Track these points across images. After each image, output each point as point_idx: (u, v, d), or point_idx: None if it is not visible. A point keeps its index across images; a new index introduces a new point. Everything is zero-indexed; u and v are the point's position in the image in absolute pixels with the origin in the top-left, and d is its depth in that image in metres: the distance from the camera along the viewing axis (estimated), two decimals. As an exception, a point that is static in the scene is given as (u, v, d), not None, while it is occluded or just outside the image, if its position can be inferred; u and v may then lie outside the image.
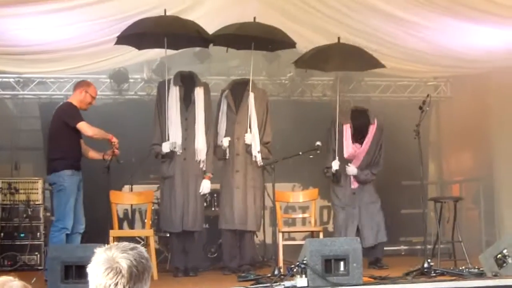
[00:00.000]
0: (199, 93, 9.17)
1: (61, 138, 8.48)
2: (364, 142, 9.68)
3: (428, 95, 8.72)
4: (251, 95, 9.29)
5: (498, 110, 11.67)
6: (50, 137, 8.68)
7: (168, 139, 8.92)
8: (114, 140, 8.65)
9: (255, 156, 9.14)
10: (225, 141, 9.25)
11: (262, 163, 9.17)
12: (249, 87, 9.31)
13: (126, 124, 11.02)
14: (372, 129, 9.73)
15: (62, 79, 11.87)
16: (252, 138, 9.17)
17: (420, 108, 8.66)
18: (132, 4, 8.73)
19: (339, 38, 9.37)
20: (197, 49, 11.20)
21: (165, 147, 8.93)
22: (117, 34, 8.83)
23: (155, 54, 10.85)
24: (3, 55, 9.96)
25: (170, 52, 9.52)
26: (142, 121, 10.72)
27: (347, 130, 9.72)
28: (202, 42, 9.31)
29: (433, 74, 12.39)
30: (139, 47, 9.39)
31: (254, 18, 9.09)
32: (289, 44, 9.22)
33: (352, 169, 9.63)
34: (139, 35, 8.88)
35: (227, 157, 9.28)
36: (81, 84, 8.89)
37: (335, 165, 9.56)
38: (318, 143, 9.03)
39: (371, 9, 9.05)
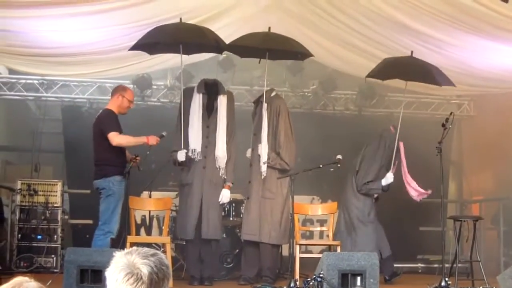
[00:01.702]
0: (222, 101, 9.14)
1: (107, 144, 8.50)
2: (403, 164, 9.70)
3: (451, 113, 8.67)
4: (264, 106, 9.25)
5: (521, 130, 11.61)
6: (95, 142, 8.66)
7: (186, 147, 8.88)
8: (152, 141, 8.72)
9: (261, 167, 9.09)
10: (248, 152, 9.27)
11: (265, 174, 9.09)
12: (263, 98, 9.27)
13: (147, 131, 11.00)
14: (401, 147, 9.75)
15: (86, 82, 11.93)
16: (262, 149, 9.11)
17: (443, 125, 8.61)
18: (159, 10, 8.75)
19: (412, 52, 9.23)
20: (221, 58, 11.22)
21: (181, 156, 8.87)
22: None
23: (179, 61, 10.85)
24: (27, 56, 10.03)
25: (194, 60, 9.53)
26: (163, 128, 10.69)
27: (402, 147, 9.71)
28: (216, 49, 9.27)
29: (456, 92, 12.33)
30: (152, 52, 9.34)
31: (269, 28, 9.05)
32: (306, 54, 9.16)
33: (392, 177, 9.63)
34: (156, 43, 8.88)
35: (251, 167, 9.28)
36: (117, 89, 8.90)
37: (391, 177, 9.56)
38: (339, 156, 8.99)
39: (395, 23, 9.02)
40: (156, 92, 12.28)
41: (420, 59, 9.03)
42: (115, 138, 8.45)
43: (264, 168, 9.04)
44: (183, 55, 9.10)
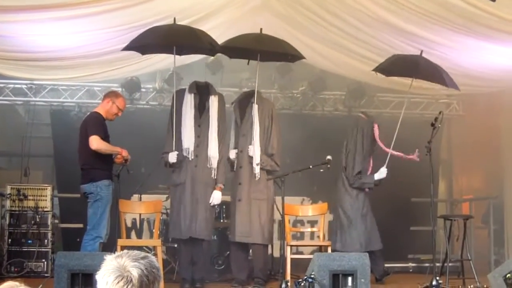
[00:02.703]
0: (213, 102, 9.14)
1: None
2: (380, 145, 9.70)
3: (440, 112, 8.70)
4: (255, 107, 9.24)
5: (509, 129, 11.65)
6: (82, 145, 8.55)
7: (179, 148, 8.88)
8: (124, 154, 8.61)
9: (254, 169, 9.09)
10: (231, 153, 9.24)
11: (259, 176, 9.11)
12: (254, 99, 9.27)
13: (137, 134, 11.03)
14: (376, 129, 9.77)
15: (74, 86, 11.91)
16: (254, 150, 9.11)
17: (432, 125, 8.63)
18: (146, 13, 8.74)
19: (421, 51, 9.19)
20: (210, 60, 11.23)
21: (172, 157, 8.88)
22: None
23: (167, 64, 10.86)
24: (15, 61, 9.99)
25: (183, 62, 9.53)
26: (153, 131, 10.71)
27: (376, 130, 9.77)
28: (209, 51, 9.28)
29: (445, 92, 12.34)
30: (144, 52, 9.33)
31: (261, 29, 9.05)
32: (297, 57, 9.17)
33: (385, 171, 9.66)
34: (149, 44, 8.89)
35: (234, 169, 9.27)
36: (110, 95, 8.86)
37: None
38: (329, 157, 9.00)
39: (383, 23, 9.03)
40: (145, 95, 12.27)
41: (429, 59, 9.03)
42: (95, 142, 8.34)
43: (257, 169, 9.04)
44: (174, 57, 9.11)
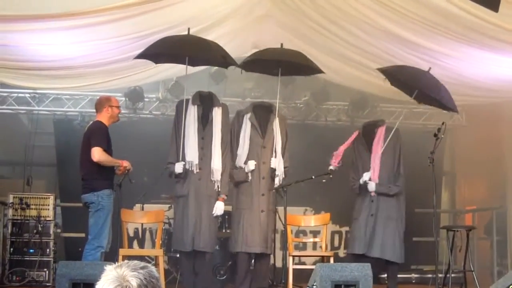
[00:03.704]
0: (217, 113, 9.15)
1: None
2: (373, 147, 9.63)
3: (443, 123, 8.68)
4: (277, 120, 9.29)
5: (512, 140, 11.64)
6: (84, 154, 8.54)
7: (183, 159, 8.88)
8: (126, 165, 8.60)
9: (279, 180, 9.11)
10: (251, 164, 9.17)
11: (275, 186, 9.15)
12: (276, 112, 9.32)
13: (139, 143, 11.04)
14: (381, 131, 9.69)
15: (78, 96, 11.93)
16: (277, 162, 9.14)
17: (435, 135, 8.62)
18: (150, 23, 8.74)
19: (429, 68, 9.16)
20: (213, 70, 11.24)
21: (178, 168, 8.89)
22: (135, 52, 8.87)
23: (171, 74, 10.89)
24: (19, 70, 10.01)
25: (187, 72, 9.52)
26: (156, 141, 10.72)
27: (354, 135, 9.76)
28: (221, 63, 9.29)
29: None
30: (157, 61, 9.36)
31: (282, 44, 9.10)
32: (317, 70, 9.21)
33: (371, 186, 9.53)
34: (162, 54, 8.91)
35: (248, 180, 9.21)
36: (102, 102, 8.81)
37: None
38: (331, 167, 9.01)
39: (386, 33, 9.03)
40: (148, 105, 12.28)
41: (435, 78, 9.00)
42: (97, 154, 8.35)
43: (278, 181, 9.07)
44: (178, 67, 9.15)
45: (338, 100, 12.60)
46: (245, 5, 9.11)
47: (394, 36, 8.99)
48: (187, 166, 8.89)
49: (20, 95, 11.84)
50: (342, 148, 9.61)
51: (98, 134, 8.51)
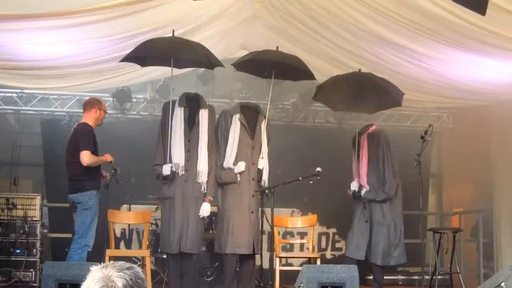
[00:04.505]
0: (203, 115, 9.13)
1: None
2: (361, 154, 9.64)
3: (430, 125, 8.72)
4: (265, 121, 9.30)
5: (499, 142, 11.68)
6: (70, 155, 8.72)
7: (170, 161, 8.87)
8: (109, 159, 8.82)
9: (264, 181, 9.11)
10: (241, 166, 9.12)
11: (260, 188, 9.14)
12: (265, 113, 9.34)
13: (127, 144, 11.02)
14: (364, 138, 9.69)
15: (65, 96, 11.90)
16: (264, 163, 9.15)
17: (422, 138, 8.65)
18: (138, 23, 8.73)
19: (359, 70, 9.26)
20: (201, 71, 11.23)
21: (166, 169, 8.86)
22: (122, 52, 8.86)
23: (159, 74, 10.87)
24: (6, 70, 9.96)
25: (175, 73, 9.52)
26: (143, 141, 10.70)
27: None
28: (206, 64, 9.29)
29: (435, 105, 12.39)
30: (143, 64, 9.37)
31: (277, 47, 9.11)
32: (309, 75, 9.22)
33: (362, 193, 9.56)
34: (147, 57, 8.92)
35: (237, 181, 9.18)
36: (93, 103, 8.99)
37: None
38: (319, 169, 9.01)
39: (373, 35, 9.04)
40: (136, 105, 12.26)
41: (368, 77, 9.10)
42: (87, 157, 8.53)
43: (267, 182, 9.08)
44: (166, 68, 9.13)
45: (325, 101, 12.60)
46: (233, 6, 9.11)
47: (382, 38, 9.01)
48: (173, 168, 8.87)
49: (7, 94, 11.80)
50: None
51: (86, 137, 8.65)
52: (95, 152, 8.64)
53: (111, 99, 11.74)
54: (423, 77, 10.01)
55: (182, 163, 8.91)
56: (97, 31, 8.74)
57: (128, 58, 8.85)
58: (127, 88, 11.68)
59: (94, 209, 8.53)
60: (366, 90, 9.20)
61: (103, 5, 7.78)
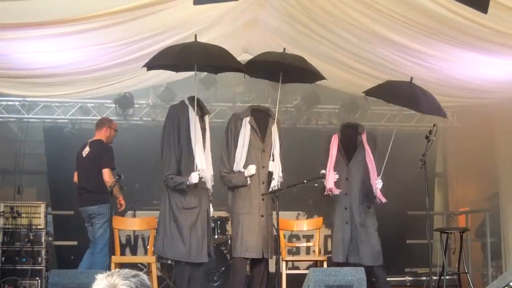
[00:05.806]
0: (207, 120, 9.06)
1: (101, 173, 9.34)
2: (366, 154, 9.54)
3: (434, 125, 8.66)
4: (275, 124, 9.22)
5: (505, 141, 11.65)
6: (94, 170, 9.37)
7: (196, 169, 8.55)
8: (122, 202, 9.62)
9: (275, 185, 8.97)
10: (252, 169, 8.98)
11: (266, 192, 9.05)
12: (275, 116, 9.22)
13: (130, 150, 11.00)
14: (363, 139, 9.58)
15: (67, 103, 11.90)
16: (275, 166, 9.03)
17: (427, 137, 8.60)
18: (138, 29, 8.70)
19: (411, 78, 9.13)
20: (203, 75, 11.20)
21: (195, 178, 8.54)
22: (123, 59, 8.84)
23: (161, 79, 10.85)
24: (8, 78, 9.96)
25: (177, 77, 9.50)
26: (147, 147, 10.68)
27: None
28: (231, 69, 9.07)
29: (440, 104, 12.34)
30: (177, 70, 9.22)
31: (284, 49, 9.04)
32: (320, 76, 9.13)
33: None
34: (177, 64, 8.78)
35: (247, 184, 9.06)
36: (104, 122, 9.77)
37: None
38: (323, 171, 8.97)
39: (376, 36, 9.01)
40: (139, 111, 12.25)
41: (418, 87, 8.96)
42: (108, 176, 9.27)
43: (277, 185, 8.96)
44: (168, 73, 9.13)
45: (328, 103, 12.60)
46: (234, 10, 9.07)
47: (384, 39, 8.98)
48: (200, 175, 8.58)
49: (9, 103, 11.82)
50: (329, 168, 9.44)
51: (110, 156, 9.45)
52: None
53: (113, 105, 11.72)
54: (427, 76, 9.96)
55: (205, 168, 8.63)
56: (98, 38, 8.72)
57: (158, 66, 8.75)
58: (129, 94, 11.67)
59: (109, 220, 9.02)
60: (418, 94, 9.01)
61: (103, 12, 7.77)
